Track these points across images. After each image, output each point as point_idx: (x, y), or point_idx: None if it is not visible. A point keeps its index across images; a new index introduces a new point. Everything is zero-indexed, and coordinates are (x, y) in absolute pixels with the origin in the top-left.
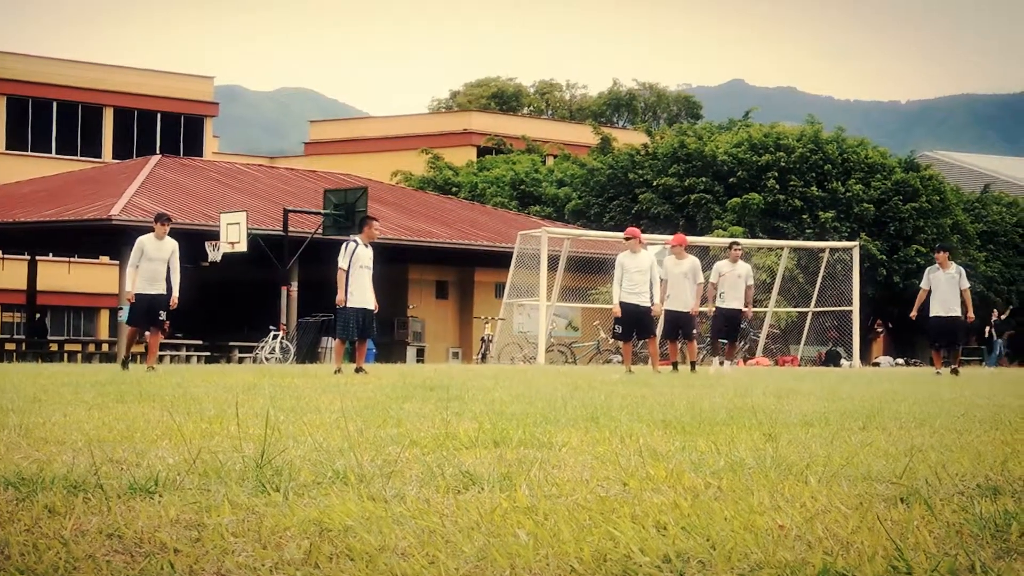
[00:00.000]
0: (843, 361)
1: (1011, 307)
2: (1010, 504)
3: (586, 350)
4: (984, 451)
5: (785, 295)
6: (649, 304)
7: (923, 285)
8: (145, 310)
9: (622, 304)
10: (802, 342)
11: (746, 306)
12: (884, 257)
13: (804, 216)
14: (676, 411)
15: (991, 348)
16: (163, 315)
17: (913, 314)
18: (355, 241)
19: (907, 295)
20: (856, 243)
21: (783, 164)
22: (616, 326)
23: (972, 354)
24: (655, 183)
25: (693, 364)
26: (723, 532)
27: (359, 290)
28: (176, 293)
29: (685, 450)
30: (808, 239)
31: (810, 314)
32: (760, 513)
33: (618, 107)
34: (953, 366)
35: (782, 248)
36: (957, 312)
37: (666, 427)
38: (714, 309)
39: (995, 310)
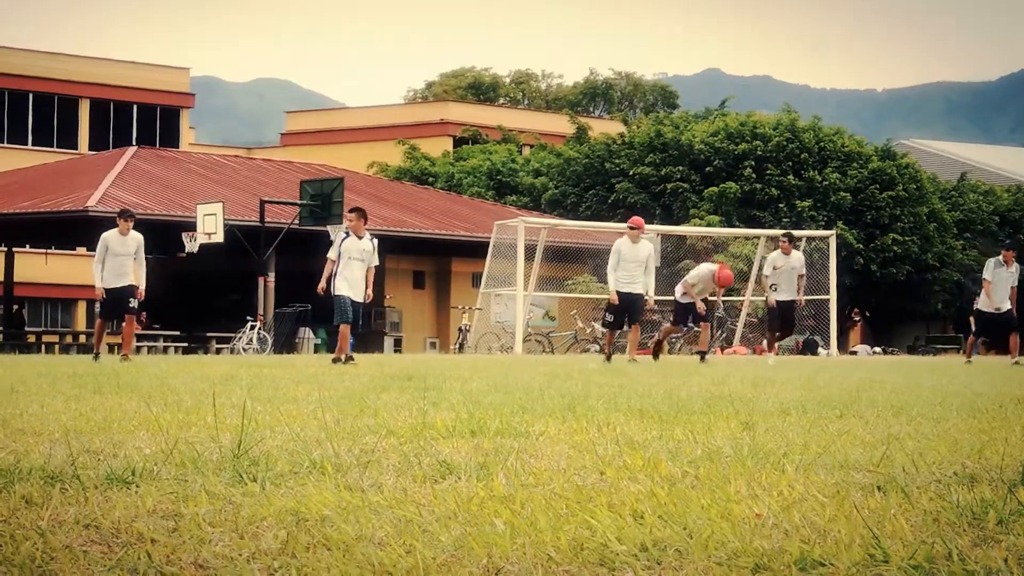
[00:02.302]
0: (820, 350)
1: None
2: (987, 492)
3: (563, 339)
4: (961, 439)
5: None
6: (642, 292)
7: (987, 276)
8: (114, 303)
9: (619, 294)
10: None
11: (799, 295)
12: (861, 246)
13: (781, 205)
14: (653, 400)
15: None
16: (133, 303)
17: (984, 306)
18: (346, 232)
19: (884, 283)
20: (833, 232)
21: (760, 153)
22: (607, 314)
23: (951, 343)
24: (632, 172)
25: (703, 354)
26: (700, 521)
27: (354, 282)
28: (142, 286)
29: (662, 439)
30: (785, 228)
31: None
32: (737, 502)
33: (594, 97)
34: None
35: (759, 237)
36: (1008, 306)
37: (643, 416)
38: (772, 302)
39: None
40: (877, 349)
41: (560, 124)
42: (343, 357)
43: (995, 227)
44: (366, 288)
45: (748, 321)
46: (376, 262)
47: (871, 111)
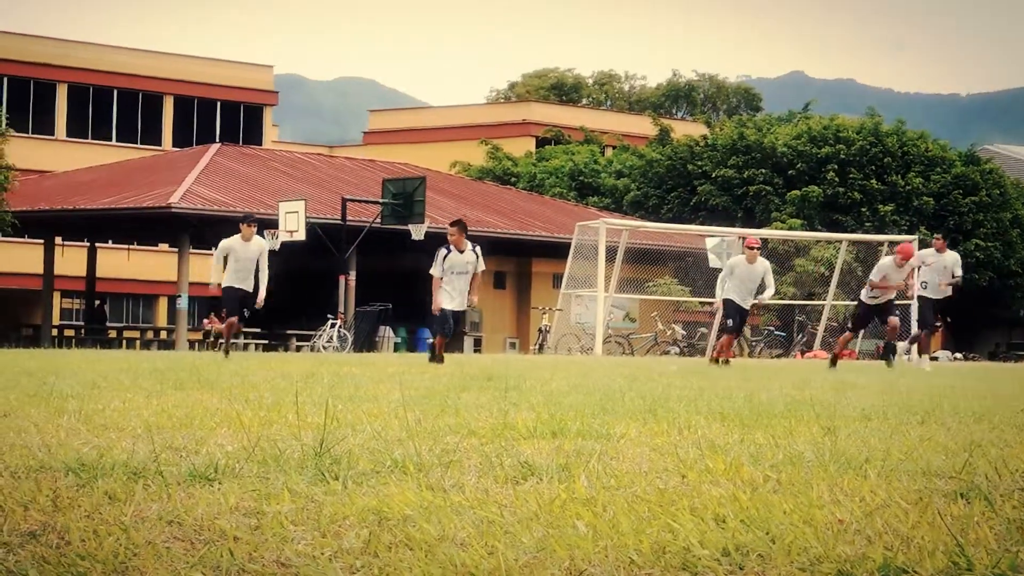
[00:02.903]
0: (902, 356)
1: None
2: None
3: (643, 342)
4: None
5: (843, 288)
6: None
7: None
8: (240, 301)
9: (730, 302)
10: (860, 336)
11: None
12: None
13: (863, 209)
14: (734, 403)
15: None
16: (246, 312)
17: None
18: (446, 249)
19: (967, 289)
20: (915, 237)
21: (843, 156)
22: (728, 320)
23: None
24: (714, 175)
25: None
26: (782, 526)
27: (456, 294)
28: (263, 292)
29: (743, 443)
30: (867, 232)
31: None
32: (819, 507)
33: (677, 98)
34: None
35: (841, 241)
36: None
37: (724, 419)
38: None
39: None
40: (959, 355)
41: (643, 125)
42: (439, 356)
43: None
44: (470, 293)
45: (829, 325)
46: (482, 267)
47: (955, 116)
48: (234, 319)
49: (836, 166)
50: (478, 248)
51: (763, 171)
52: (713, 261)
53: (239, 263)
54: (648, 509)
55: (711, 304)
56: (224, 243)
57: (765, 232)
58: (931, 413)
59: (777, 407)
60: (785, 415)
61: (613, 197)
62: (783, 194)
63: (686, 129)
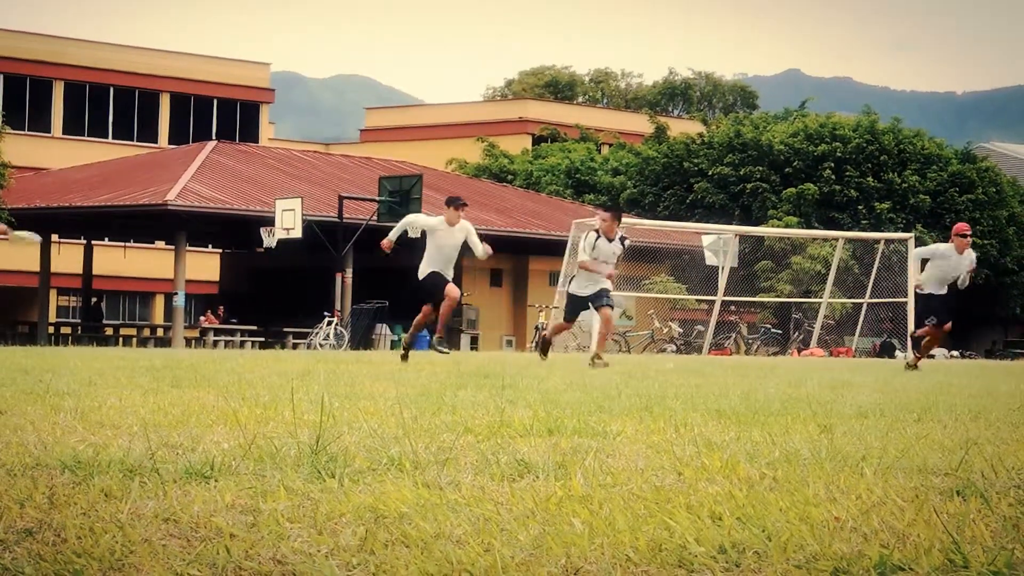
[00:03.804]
0: (898, 353)
1: None
2: None
3: (640, 339)
4: None
5: (840, 286)
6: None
7: None
8: (440, 289)
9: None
10: (856, 333)
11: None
12: None
13: (860, 207)
14: (731, 401)
15: None
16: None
17: None
18: (596, 233)
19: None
20: (912, 235)
21: (839, 154)
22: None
23: None
24: (710, 172)
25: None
26: (778, 523)
27: (589, 282)
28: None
29: (740, 440)
30: (863, 230)
31: (865, 305)
32: (815, 504)
33: (673, 96)
34: None
35: (837, 239)
36: None
37: (720, 417)
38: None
39: None
40: (955, 353)
41: (639, 123)
42: (596, 359)
43: None
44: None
45: (825, 323)
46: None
47: (951, 114)
48: (429, 306)
49: (832, 164)
50: (626, 241)
51: (759, 169)
52: (709, 259)
53: (442, 250)
54: (644, 507)
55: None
56: (423, 219)
57: (761, 230)
58: (928, 411)
59: (774, 405)
60: (782, 413)
61: (609, 195)
62: (779, 192)
63: (682, 127)
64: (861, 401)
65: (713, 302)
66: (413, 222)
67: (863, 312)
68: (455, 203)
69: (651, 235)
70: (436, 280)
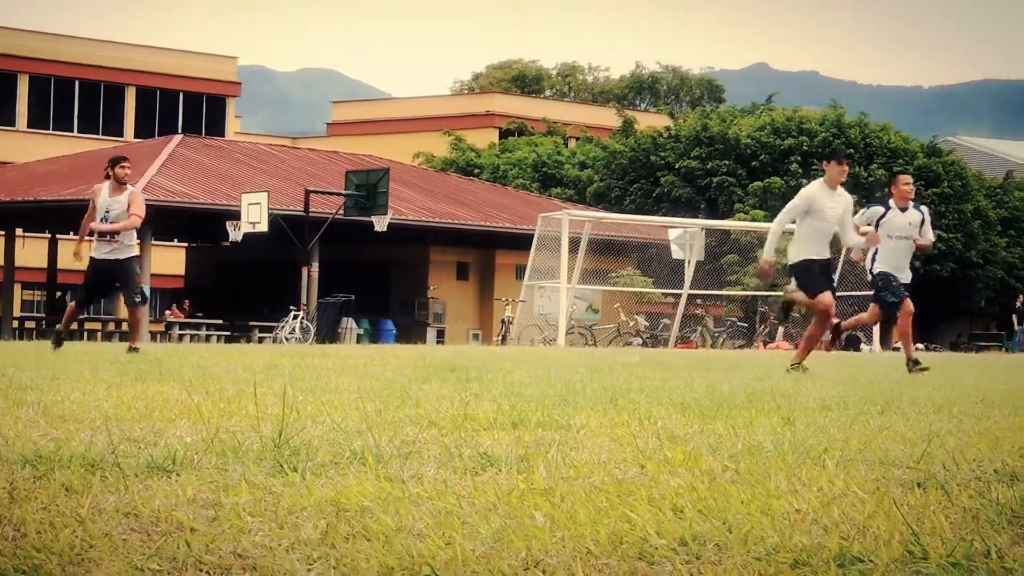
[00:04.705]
0: (863, 346)
1: None
2: None
3: (606, 333)
4: (1002, 436)
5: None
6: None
7: None
8: (826, 273)
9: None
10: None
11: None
12: None
13: None
14: (695, 394)
15: (1011, 334)
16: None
17: None
18: (884, 206)
19: (927, 280)
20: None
21: (805, 148)
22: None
23: (993, 340)
24: (677, 166)
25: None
26: (740, 515)
27: (898, 260)
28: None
29: (703, 433)
30: None
31: None
32: (777, 497)
33: (640, 90)
34: None
35: None
36: None
37: (685, 410)
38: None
39: (1020, 295)
40: (920, 346)
41: (606, 117)
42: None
43: None
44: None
45: (791, 317)
46: (931, 236)
47: (918, 108)
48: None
49: (799, 157)
50: (924, 208)
51: (726, 162)
52: (676, 252)
53: (820, 224)
54: (606, 499)
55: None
56: (806, 194)
57: (728, 224)
58: (891, 403)
59: (738, 398)
60: (746, 406)
61: (576, 188)
62: (746, 185)
63: (650, 121)
64: (825, 394)
65: (679, 296)
66: (794, 209)
67: None
68: (836, 155)
69: (618, 229)
70: (810, 267)
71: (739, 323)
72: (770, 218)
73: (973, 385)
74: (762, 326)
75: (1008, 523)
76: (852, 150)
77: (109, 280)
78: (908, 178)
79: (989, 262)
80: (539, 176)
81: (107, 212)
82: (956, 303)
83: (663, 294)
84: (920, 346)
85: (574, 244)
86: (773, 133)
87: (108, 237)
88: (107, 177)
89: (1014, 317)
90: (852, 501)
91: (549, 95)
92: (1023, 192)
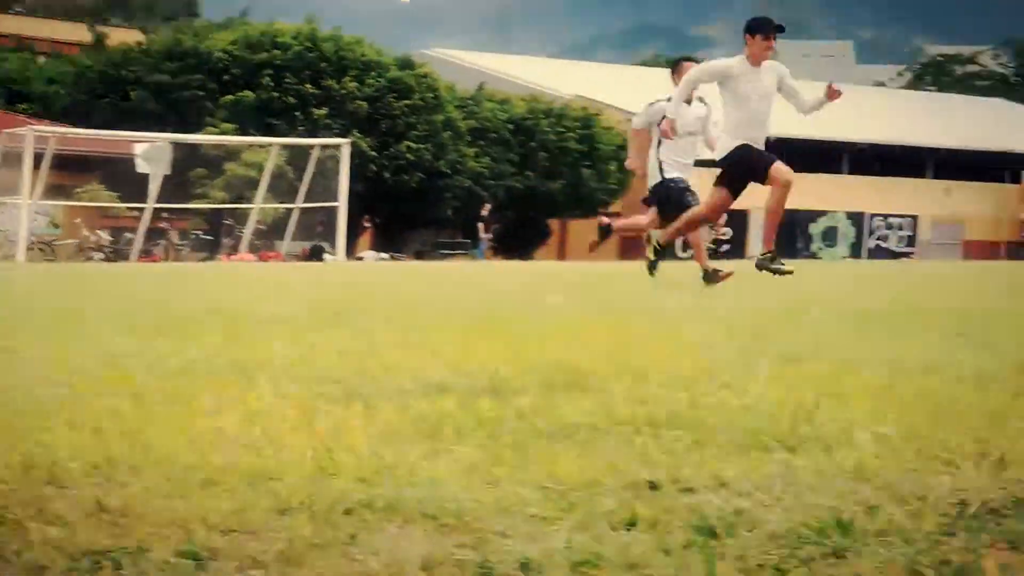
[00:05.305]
0: (326, 255)
1: (498, 202)
2: (451, 403)
3: (67, 248)
4: (442, 349)
5: (273, 192)
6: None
7: None
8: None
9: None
10: (287, 238)
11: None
12: (375, 154)
13: (298, 113)
14: (147, 313)
15: (476, 242)
16: None
17: None
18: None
19: (396, 191)
20: (347, 140)
21: (279, 62)
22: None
23: (458, 248)
24: (147, 81)
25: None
26: (161, 436)
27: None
28: None
29: (143, 353)
30: (300, 136)
31: (296, 210)
32: (203, 416)
33: (115, 5)
34: None
35: (272, 145)
36: None
37: (133, 332)
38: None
39: (486, 204)
40: (385, 255)
41: (80, 33)
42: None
43: (509, 135)
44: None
45: (256, 229)
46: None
47: (397, 22)
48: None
49: (272, 71)
50: (706, 99)
51: (198, 77)
52: (141, 166)
53: (747, 103)
54: (24, 423)
55: None
56: (709, 67)
57: (196, 137)
58: (339, 315)
59: (193, 315)
60: (195, 321)
61: (44, 104)
62: (217, 100)
63: (124, 36)
64: (278, 310)
65: (143, 210)
66: (694, 80)
67: (295, 217)
68: (764, 28)
69: (84, 144)
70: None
71: (203, 236)
72: (240, 131)
73: (424, 296)
74: (227, 238)
75: (426, 437)
76: (326, 63)
77: None
78: (691, 64)
79: (457, 172)
80: (4, 92)
81: None
82: (424, 212)
83: (128, 208)
84: (384, 255)
85: (39, 160)
86: (247, 47)
87: None
88: None
89: (480, 225)
90: (275, 418)
91: (21, 10)
92: (494, 103)
